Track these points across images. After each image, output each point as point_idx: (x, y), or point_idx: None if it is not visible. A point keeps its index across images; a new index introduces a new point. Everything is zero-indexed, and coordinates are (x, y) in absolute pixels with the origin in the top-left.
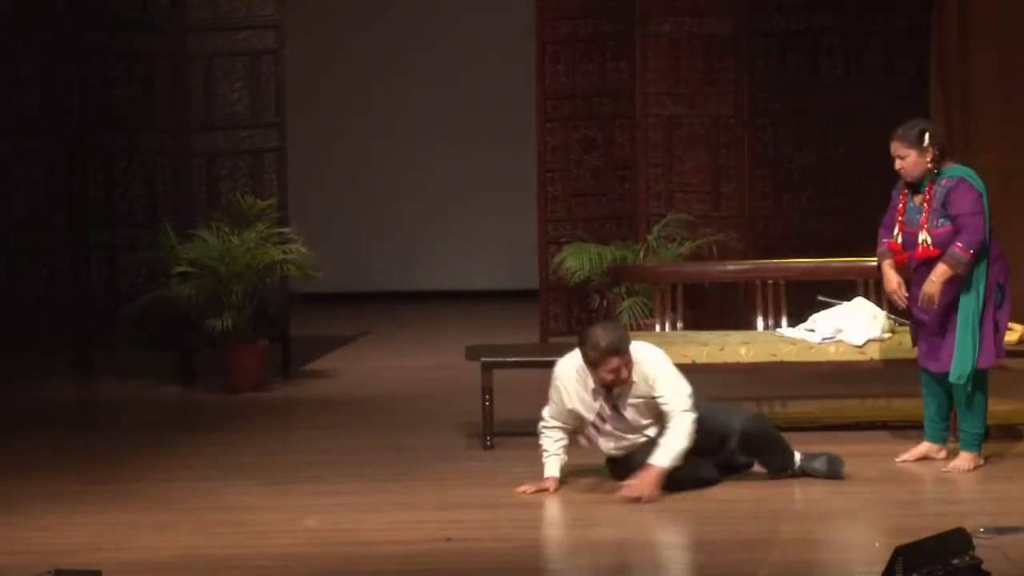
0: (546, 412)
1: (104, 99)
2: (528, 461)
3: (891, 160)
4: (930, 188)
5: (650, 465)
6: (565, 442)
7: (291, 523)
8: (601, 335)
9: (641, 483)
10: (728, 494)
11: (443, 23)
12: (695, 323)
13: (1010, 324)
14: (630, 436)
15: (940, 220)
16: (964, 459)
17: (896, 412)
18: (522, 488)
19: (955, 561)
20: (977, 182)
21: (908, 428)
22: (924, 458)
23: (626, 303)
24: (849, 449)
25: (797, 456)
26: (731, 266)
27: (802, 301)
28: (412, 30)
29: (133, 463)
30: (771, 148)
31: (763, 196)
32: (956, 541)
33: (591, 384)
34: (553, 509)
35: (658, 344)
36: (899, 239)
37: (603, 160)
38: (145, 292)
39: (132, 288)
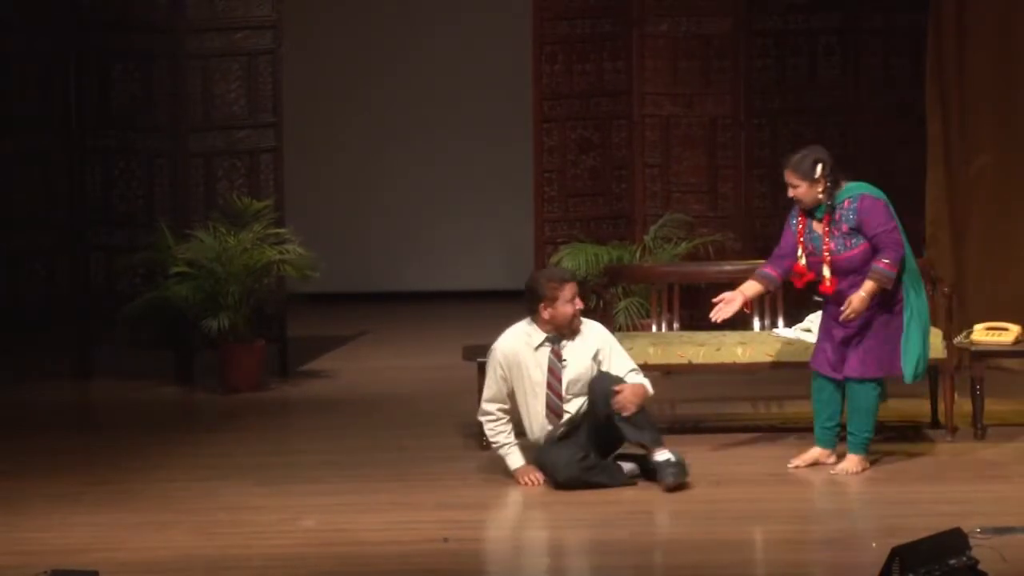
0: (486, 402)
1: (103, 99)
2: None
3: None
4: (829, 215)
5: (633, 384)
6: (512, 428)
7: (290, 523)
8: (551, 271)
9: (630, 395)
10: (723, 494)
11: (440, 23)
12: (692, 323)
13: (1006, 324)
14: (568, 399)
15: (852, 242)
16: (852, 461)
17: (891, 412)
18: (526, 479)
19: (952, 561)
20: (877, 192)
21: (904, 428)
22: (815, 463)
23: (623, 303)
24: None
25: (667, 454)
26: (728, 266)
27: (799, 301)
28: (409, 30)
29: (132, 463)
30: (768, 148)
31: (760, 196)
32: (953, 541)
33: (536, 340)
34: (552, 510)
35: (655, 344)
36: (803, 260)
37: (600, 160)
38: (143, 292)
39: (131, 288)
